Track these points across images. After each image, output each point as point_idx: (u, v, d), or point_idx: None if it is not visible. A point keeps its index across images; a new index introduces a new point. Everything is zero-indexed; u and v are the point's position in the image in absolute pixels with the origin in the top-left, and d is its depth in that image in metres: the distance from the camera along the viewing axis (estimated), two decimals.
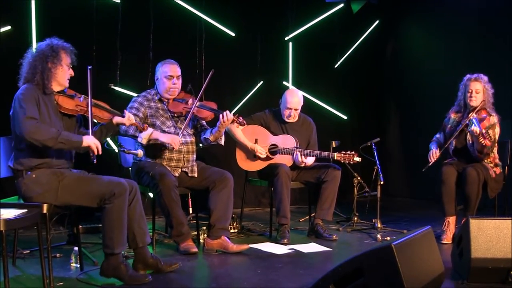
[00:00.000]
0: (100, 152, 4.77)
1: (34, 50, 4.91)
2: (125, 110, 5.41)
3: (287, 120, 6.84)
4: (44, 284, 4.52)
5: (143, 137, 5.71)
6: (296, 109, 6.80)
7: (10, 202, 4.87)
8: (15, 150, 4.81)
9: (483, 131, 6.25)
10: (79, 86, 5.08)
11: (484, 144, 6.25)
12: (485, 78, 6.64)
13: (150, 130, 5.82)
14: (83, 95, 4.98)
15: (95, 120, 4.97)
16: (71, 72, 4.97)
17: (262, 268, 5.37)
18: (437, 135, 6.94)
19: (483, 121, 6.43)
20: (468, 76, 6.71)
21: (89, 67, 4.89)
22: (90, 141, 4.73)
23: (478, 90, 6.57)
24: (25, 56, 4.95)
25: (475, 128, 6.24)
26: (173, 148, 5.92)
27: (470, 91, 6.59)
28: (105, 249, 4.78)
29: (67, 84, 4.97)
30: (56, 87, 4.91)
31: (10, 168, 4.86)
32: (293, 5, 9.35)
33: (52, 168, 4.78)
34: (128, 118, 5.15)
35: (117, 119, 5.12)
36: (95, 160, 4.74)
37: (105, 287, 4.77)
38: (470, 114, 6.43)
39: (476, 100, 6.55)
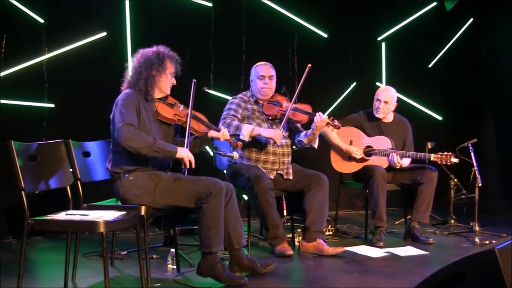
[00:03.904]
0: (193, 166, 4.78)
1: (140, 55, 4.97)
2: (220, 126, 5.44)
3: (376, 115, 6.76)
4: (142, 285, 4.59)
5: (245, 134, 5.72)
6: (386, 102, 6.70)
7: (109, 204, 4.95)
8: (113, 153, 4.88)
9: None
10: (176, 93, 5.15)
11: None
12: None
13: (250, 126, 5.84)
14: (182, 105, 5.04)
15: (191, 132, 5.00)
16: (174, 81, 5.03)
17: (358, 271, 5.33)
18: None
19: None
20: None
21: (194, 80, 4.94)
22: (184, 153, 4.76)
23: None
24: (132, 59, 5.03)
25: None
26: (275, 143, 5.93)
27: None
28: (202, 248, 4.78)
29: (168, 92, 5.04)
30: (157, 94, 4.98)
31: (108, 171, 4.94)
32: (385, 5, 9.27)
33: (148, 171, 4.83)
34: (223, 134, 5.17)
35: (212, 134, 5.15)
36: (186, 172, 4.76)
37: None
38: None
39: None
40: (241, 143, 5.50)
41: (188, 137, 4.87)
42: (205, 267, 4.79)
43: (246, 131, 5.75)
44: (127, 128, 4.61)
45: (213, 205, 4.68)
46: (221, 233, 4.77)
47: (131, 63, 5.06)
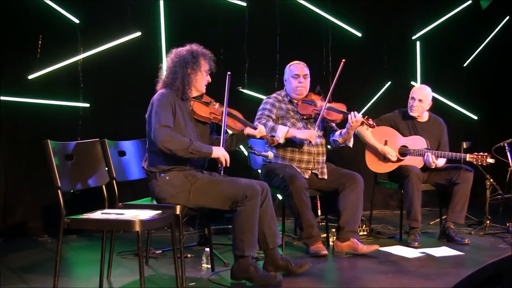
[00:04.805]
0: (228, 164, 4.77)
1: (174, 55, 4.96)
2: (256, 123, 5.44)
3: (411, 113, 6.70)
4: (177, 284, 4.59)
5: (280, 136, 5.72)
6: (420, 100, 6.64)
7: (145, 203, 4.96)
8: (148, 153, 4.88)
9: None
10: (210, 91, 5.14)
11: None
12: None
13: (285, 128, 5.85)
14: (218, 103, 5.03)
15: (227, 129, 4.98)
16: (209, 79, 5.01)
17: (393, 271, 5.28)
18: None
19: None
20: None
21: (228, 73, 4.94)
22: (219, 153, 4.74)
23: None
24: (166, 59, 5.03)
25: None
26: (310, 142, 5.92)
27: None
28: (235, 251, 4.76)
29: (204, 90, 5.03)
30: (194, 93, 4.97)
31: (144, 170, 4.93)
32: (419, 3, 9.20)
33: (184, 171, 4.82)
34: (259, 131, 5.14)
35: (248, 131, 5.12)
36: (222, 171, 4.75)
37: (235, 286, 4.80)
38: None
39: None
40: (277, 138, 5.49)
41: (223, 134, 4.87)
42: (239, 271, 4.77)
43: (281, 133, 5.75)
44: (163, 129, 4.62)
45: (248, 209, 4.65)
46: (255, 236, 4.75)
47: (165, 63, 5.06)
